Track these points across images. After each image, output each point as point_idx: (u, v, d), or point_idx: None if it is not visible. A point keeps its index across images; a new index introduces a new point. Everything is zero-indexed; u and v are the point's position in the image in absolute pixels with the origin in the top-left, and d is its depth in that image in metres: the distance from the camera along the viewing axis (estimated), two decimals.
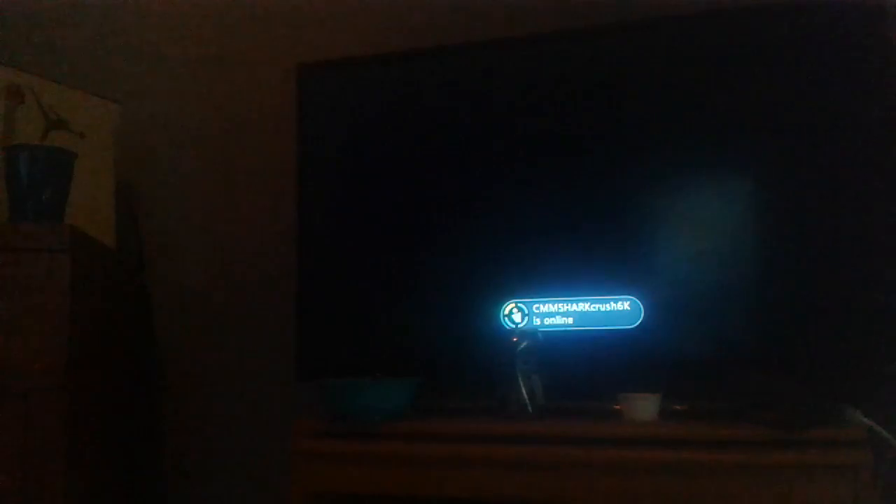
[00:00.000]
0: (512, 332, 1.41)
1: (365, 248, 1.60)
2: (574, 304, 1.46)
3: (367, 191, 1.61)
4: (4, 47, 1.86)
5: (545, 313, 1.47)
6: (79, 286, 1.33)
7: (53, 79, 1.57)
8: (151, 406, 1.80)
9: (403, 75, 1.64)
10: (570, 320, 1.46)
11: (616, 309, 1.44)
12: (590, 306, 1.45)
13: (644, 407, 1.29)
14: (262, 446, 1.72)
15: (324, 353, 1.58)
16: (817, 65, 1.40)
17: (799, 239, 1.38)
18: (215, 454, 1.79)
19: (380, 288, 1.58)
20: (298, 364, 1.58)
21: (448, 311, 1.52)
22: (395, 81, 1.64)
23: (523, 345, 1.36)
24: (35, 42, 1.92)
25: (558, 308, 1.47)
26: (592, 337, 1.44)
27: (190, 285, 1.85)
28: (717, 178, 1.46)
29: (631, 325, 1.43)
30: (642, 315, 1.42)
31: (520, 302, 1.47)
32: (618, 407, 1.33)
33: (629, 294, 1.43)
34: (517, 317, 1.47)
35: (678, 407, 1.36)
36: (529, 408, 1.33)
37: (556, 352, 1.39)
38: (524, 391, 1.33)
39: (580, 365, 1.44)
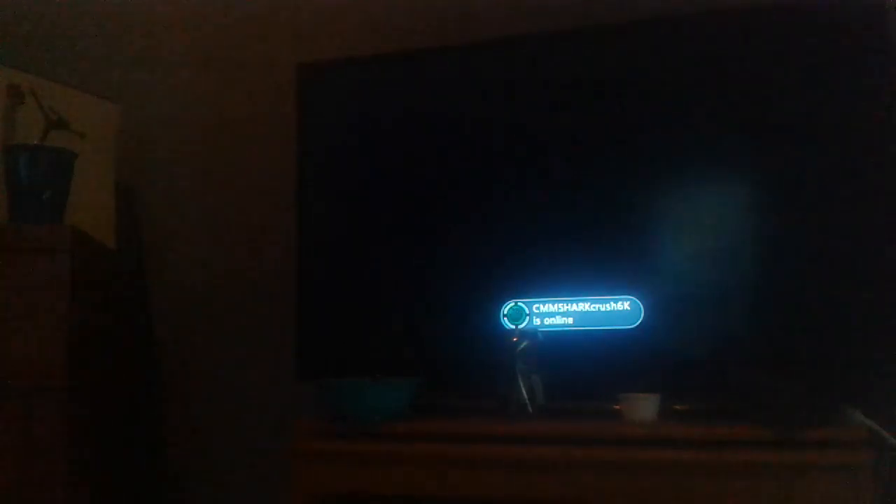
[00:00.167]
0: (512, 332, 1.41)
1: (365, 248, 1.60)
2: (574, 304, 1.46)
3: (367, 190, 1.61)
4: (4, 47, 1.86)
5: (545, 313, 1.47)
6: (79, 286, 1.33)
7: (53, 79, 1.57)
8: (151, 406, 1.79)
9: (403, 75, 1.64)
10: (570, 320, 1.46)
11: (616, 309, 1.44)
12: (590, 306, 1.45)
13: (644, 407, 1.29)
14: (262, 446, 1.72)
15: (324, 353, 1.58)
16: (817, 65, 1.40)
17: (799, 239, 1.38)
18: (216, 454, 1.79)
19: (380, 288, 1.58)
20: (298, 364, 1.58)
21: (448, 311, 1.52)
22: (395, 81, 1.64)
23: (523, 345, 1.36)
24: (35, 42, 1.92)
25: (558, 308, 1.47)
26: (592, 337, 1.44)
27: (190, 285, 1.85)
28: (717, 179, 1.46)
29: (631, 325, 1.43)
30: (642, 315, 1.42)
31: (520, 301, 1.47)
32: (618, 407, 1.32)
33: (629, 294, 1.43)
34: (516, 314, 1.47)
35: (678, 407, 1.36)
36: (529, 408, 1.33)
37: (556, 352, 1.39)
38: (524, 391, 1.34)
39: (580, 365, 1.44)
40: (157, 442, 1.80)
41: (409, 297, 1.56)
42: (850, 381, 1.28)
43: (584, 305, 1.45)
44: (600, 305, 1.45)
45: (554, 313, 1.47)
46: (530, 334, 1.37)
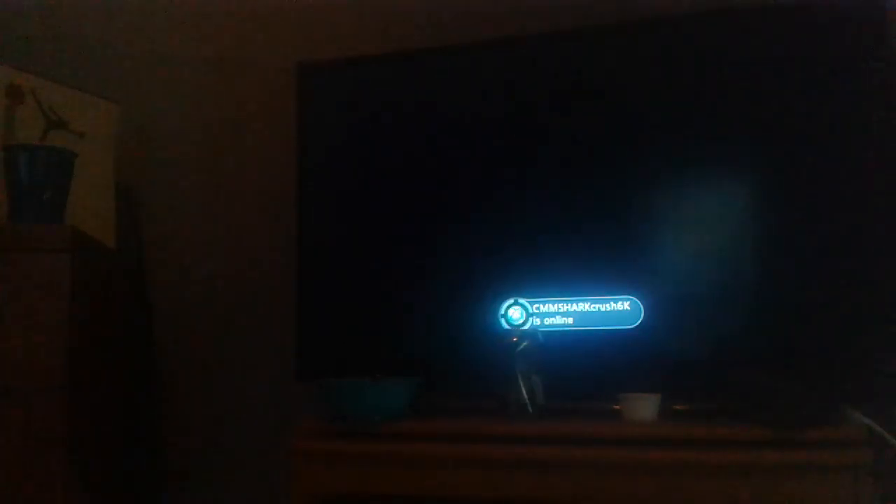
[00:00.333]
0: (512, 332, 1.41)
1: (365, 248, 1.60)
2: (574, 304, 1.46)
3: (367, 190, 1.61)
4: (4, 47, 1.86)
5: (545, 313, 1.47)
6: (79, 287, 1.33)
7: (53, 79, 1.57)
8: (151, 406, 1.79)
9: (404, 75, 1.64)
10: (570, 320, 1.46)
11: (616, 309, 1.44)
12: (590, 306, 1.45)
13: (644, 407, 1.29)
14: (262, 446, 1.72)
15: (324, 353, 1.58)
16: (817, 65, 1.40)
17: (799, 239, 1.38)
18: (215, 454, 1.79)
19: (380, 288, 1.58)
20: (298, 364, 1.58)
21: (448, 311, 1.52)
22: (395, 81, 1.64)
23: (523, 345, 1.36)
24: (35, 42, 1.92)
25: (558, 308, 1.47)
26: (592, 337, 1.44)
27: (190, 286, 1.85)
28: (717, 178, 1.46)
29: (631, 325, 1.43)
30: (642, 315, 1.42)
31: (520, 301, 1.47)
32: (618, 407, 1.32)
33: (629, 294, 1.43)
34: (515, 314, 1.47)
35: (678, 407, 1.36)
36: (529, 408, 1.33)
37: (556, 352, 1.39)
38: (524, 391, 1.33)
39: (580, 365, 1.44)
40: (157, 442, 1.80)
41: (409, 297, 1.56)
42: (850, 381, 1.28)
43: (584, 305, 1.45)
44: (600, 305, 1.45)
45: (554, 313, 1.47)
46: (530, 334, 1.37)
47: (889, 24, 1.36)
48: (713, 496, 1.15)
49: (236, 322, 1.81)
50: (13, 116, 1.48)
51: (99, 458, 1.45)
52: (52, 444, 1.27)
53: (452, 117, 1.59)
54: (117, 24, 1.94)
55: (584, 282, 1.46)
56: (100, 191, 1.62)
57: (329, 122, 1.66)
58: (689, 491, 1.16)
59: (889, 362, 1.27)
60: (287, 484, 1.33)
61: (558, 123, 1.52)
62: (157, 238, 1.87)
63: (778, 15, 1.43)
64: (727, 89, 1.44)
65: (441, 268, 1.54)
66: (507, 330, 1.44)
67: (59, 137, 1.53)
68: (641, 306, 1.42)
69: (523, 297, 1.47)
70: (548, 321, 1.46)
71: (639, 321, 1.42)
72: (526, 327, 1.44)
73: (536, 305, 1.47)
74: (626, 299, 1.43)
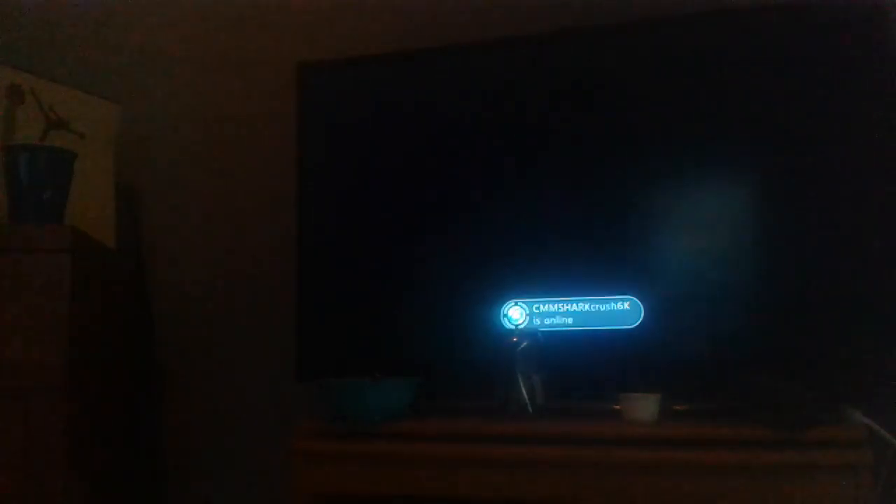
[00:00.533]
0: (512, 332, 1.41)
1: (365, 248, 1.60)
2: (574, 304, 1.46)
3: (367, 191, 1.61)
4: (4, 47, 1.86)
5: (545, 313, 1.47)
6: (79, 287, 1.33)
7: (53, 79, 1.57)
8: (151, 406, 1.80)
9: (404, 75, 1.64)
10: (570, 320, 1.46)
11: (616, 309, 1.44)
12: (589, 306, 1.45)
13: (644, 407, 1.29)
14: (262, 446, 1.72)
15: (324, 353, 1.58)
16: (817, 65, 1.40)
17: (799, 239, 1.38)
18: (215, 454, 1.79)
19: (380, 288, 1.58)
20: (298, 364, 1.58)
21: (448, 311, 1.52)
22: (395, 81, 1.64)
23: (523, 345, 1.36)
24: (35, 42, 1.92)
25: (558, 308, 1.47)
26: (592, 337, 1.44)
27: (190, 286, 1.85)
28: (717, 178, 1.46)
29: (631, 325, 1.43)
30: (642, 315, 1.42)
31: (520, 301, 1.47)
32: (618, 407, 1.32)
33: (629, 294, 1.43)
34: (515, 314, 1.47)
35: (678, 407, 1.36)
36: (529, 408, 1.33)
37: (556, 352, 1.39)
38: (524, 391, 1.33)
39: (580, 365, 1.44)
40: (157, 442, 1.80)
41: (409, 297, 1.56)
42: (850, 381, 1.28)
43: (583, 305, 1.45)
44: (600, 305, 1.45)
45: (554, 313, 1.47)
46: (530, 334, 1.37)
47: (889, 24, 1.36)
48: (713, 496, 1.15)
49: (236, 322, 1.81)
50: (13, 116, 1.48)
51: (99, 458, 1.45)
52: (52, 444, 1.27)
53: (452, 117, 1.59)
54: (117, 24, 1.94)
55: (584, 282, 1.46)
56: (100, 191, 1.62)
57: (329, 122, 1.66)
58: (689, 491, 1.16)
59: (889, 362, 1.27)
60: (287, 484, 1.33)
61: (558, 123, 1.52)
62: (157, 238, 1.87)
63: (778, 15, 1.43)
64: (727, 89, 1.44)
65: (441, 268, 1.54)
66: (507, 330, 1.44)
67: (59, 137, 1.53)
68: (641, 306, 1.42)
69: (523, 297, 1.47)
70: (548, 321, 1.46)
71: (639, 321, 1.42)
72: (526, 327, 1.44)
73: (536, 306, 1.47)
74: (627, 299, 1.43)
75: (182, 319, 1.84)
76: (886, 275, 1.31)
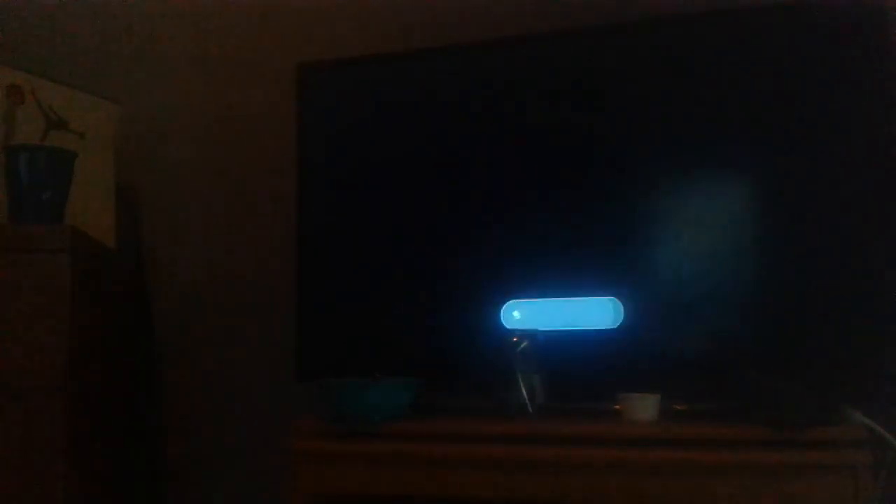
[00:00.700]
0: (512, 332, 1.41)
1: (365, 248, 1.60)
2: (574, 305, 1.46)
3: (366, 191, 1.61)
4: (4, 47, 1.86)
5: (545, 313, 1.47)
6: (79, 287, 1.33)
7: (53, 79, 1.57)
8: (151, 406, 1.80)
9: (403, 75, 1.64)
10: (570, 320, 1.46)
11: (616, 309, 1.44)
12: (589, 306, 1.45)
13: (644, 407, 1.29)
14: (262, 446, 1.72)
15: (324, 353, 1.58)
16: (816, 65, 1.40)
17: (799, 238, 1.38)
18: (215, 454, 1.79)
19: (380, 288, 1.58)
20: (298, 364, 1.58)
21: (448, 311, 1.52)
22: (395, 81, 1.64)
23: (523, 345, 1.35)
24: (35, 42, 1.92)
25: (558, 308, 1.46)
26: (592, 337, 1.44)
27: (190, 285, 1.85)
28: (717, 178, 1.46)
29: (631, 325, 1.43)
30: (642, 315, 1.42)
31: (520, 301, 1.47)
32: (618, 407, 1.32)
33: (629, 294, 1.43)
34: (515, 314, 1.47)
35: (678, 407, 1.36)
36: (529, 408, 1.33)
37: (556, 352, 1.39)
38: (524, 391, 1.33)
39: (580, 365, 1.44)
40: (157, 442, 1.80)
41: (409, 297, 1.56)
42: (850, 381, 1.28)
43: (583, 306, 1.45)
44: (600, 306, 1.45)
45: (554, 313, 1.46)
46: (530, 334, 1.37)
47: (889, 25, 1.36)
48: (713, 496, 1.15)
49: (236, 322, 1.81)
50: (13, 116, 1.48)
51: (99, 458, 1.45)
52: (52, 444, 1.27)
53: (452, 117, 1.59)
54: (117, 24, 1.94)
55: (584, 282, 1.46)
56: (100, 191, 1.62)
57: (329, 122, 1.66)
58: (688, 491, 1.16)
59: (889, 362, 1.27)
60: (287, 484, 1.33)
61: (559, 124, 1.52)
62: (157, 238, 1.87)
63: (777, 15, 1.43)
64: (721, 89, 1.44)
65: (441, 268, 1.54)
66: (507, 330, 1.44)
67: (59, 137, 1.53)
68: (641, 306, 1.42)
69: (523, 297, 1.47)
70: (548, 321, 1.46)
71: (638, 321, 1.42)
72: (526, 327, 1.44)
73: (536, 306, 1.47)
74: (627, 299, 1.43)
75: (182, 319, 1.84)
76: (886, 275, 1.31)
